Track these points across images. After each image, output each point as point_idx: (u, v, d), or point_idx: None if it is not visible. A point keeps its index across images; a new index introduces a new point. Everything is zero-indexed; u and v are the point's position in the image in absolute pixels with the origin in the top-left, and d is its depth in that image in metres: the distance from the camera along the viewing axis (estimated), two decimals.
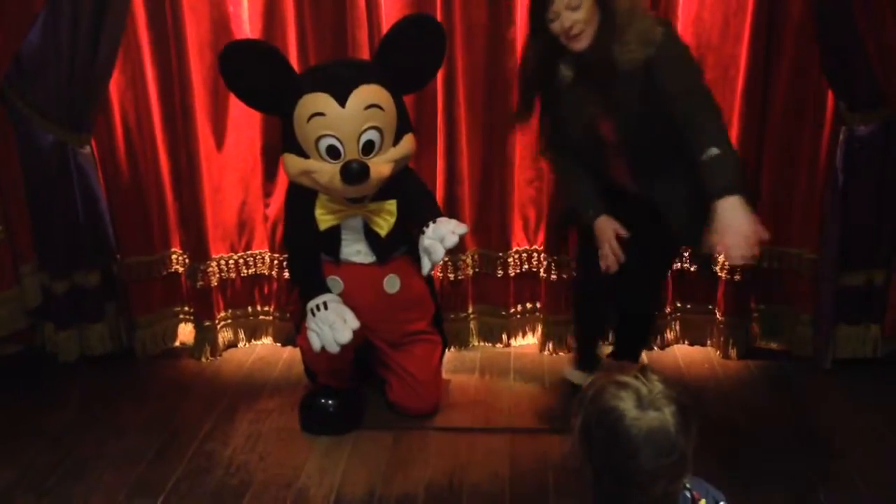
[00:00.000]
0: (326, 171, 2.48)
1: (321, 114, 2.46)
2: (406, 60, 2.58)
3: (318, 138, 2.48)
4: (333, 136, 2.47)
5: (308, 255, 2.69)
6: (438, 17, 2.88)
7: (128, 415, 2.87)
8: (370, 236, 2.66)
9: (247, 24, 3.00)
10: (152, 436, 2.73)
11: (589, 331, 2.90)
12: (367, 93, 2.49)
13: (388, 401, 2.82)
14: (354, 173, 2.42)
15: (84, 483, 2.50)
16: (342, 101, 2.46)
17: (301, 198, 2.64)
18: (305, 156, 2.53)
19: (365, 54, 2.91)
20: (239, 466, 2.56)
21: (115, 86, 3.02)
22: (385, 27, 2.91)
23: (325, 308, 2.52)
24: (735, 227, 2.12)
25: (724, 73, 2.92)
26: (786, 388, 2.94)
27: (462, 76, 3.00)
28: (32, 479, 2.52)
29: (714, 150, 2.18)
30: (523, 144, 3.07)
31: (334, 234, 2.65)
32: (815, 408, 2.81)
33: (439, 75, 2.89)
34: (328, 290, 2.60)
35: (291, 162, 2.57)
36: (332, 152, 2.49)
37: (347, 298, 2.59)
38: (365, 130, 2.49)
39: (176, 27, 2.92)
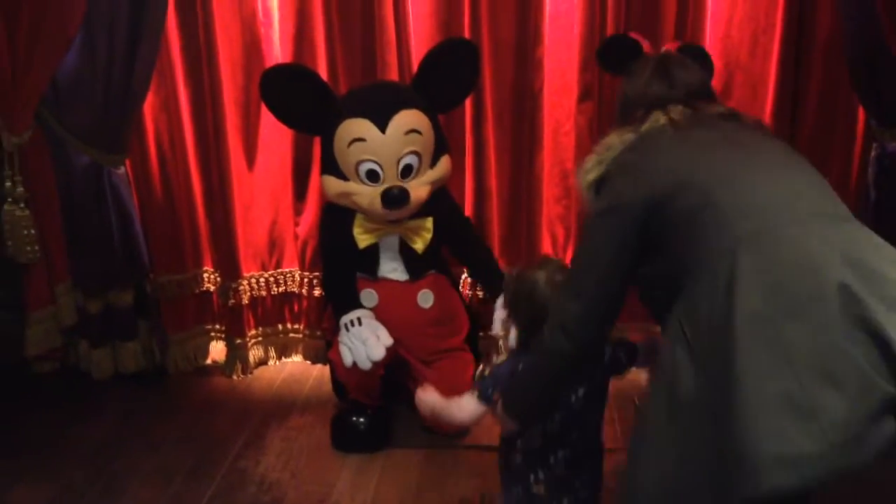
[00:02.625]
0: (366, 195, 2.53)
1: (361, 139, 2.51)
2: (443, 83, 2.63)
3: (358, 163, 2.52)
4: (373, 161, 2.52)
5: (343, 272, 2.73)
6: (466, 36, 2.92)
7: (161, 432, 2.90)
8: (405, 253, 2.69)
9: (278, 45, 3.04)
10: (185, 452, 2.76)
11: None
12: (406, 118, 2.53)
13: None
14: (395, 199, 2.48)
15: (120, 499, 2.53)
16: (382, 127, 2.50)
17: (339, 216, 2.68)
18: (345, 178, 2.57)
19: (394, 76, 2.95)
20: (271, 483, 2.58)
21: (148, 107, 3.07)
22: (414, 49, 2.95)
23: (359, 324, 2.56)
24: None
25: (753, 91, 2.92)
26: None
27: (490, 93, 3.02)
28: (69, 495, 2.56)
29: None
30: (552, 162, 3.09)
31: (373, 253, 2.69)
32: None
33: None
34: (361, 306, 2.63)
35: (330, 184, 2.61)
36: (372, 176, 2.53)
37: (382, 312, 2.62)
38: (404, 155, 2.53)
39: (209, 49, 2.97)
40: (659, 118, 1.73)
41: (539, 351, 1.76)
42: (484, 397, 1.85)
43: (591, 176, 1.75)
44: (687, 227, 1.54)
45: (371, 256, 2.70)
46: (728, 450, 1.33)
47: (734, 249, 1.44)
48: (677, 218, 1.56)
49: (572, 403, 1.84)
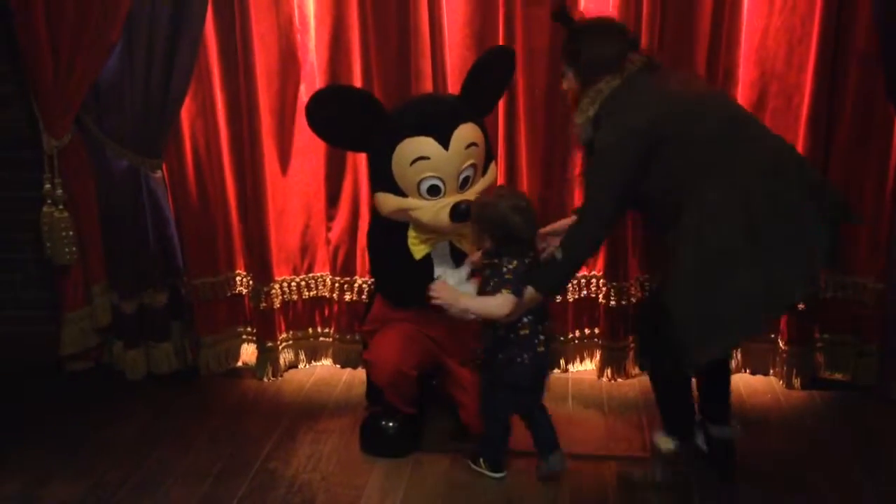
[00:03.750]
0: (428, 209, 2.57)
1: (425, 157, 2.53)
2: (486, 91, 2.68)
3: (421, 180, 2.55)
4: (437, 178, 2.55)
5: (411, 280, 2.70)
6: (500, 42, 2.94)
7: (193, 432, 2.93)
8: (455, 255, 2.72)
9: (313, 53, 3.08)
10: (216, 453, 2.79)
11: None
12: (465, 132, 2.58)
13: (463, 423, 2.80)
14: (464, 213, 2.53)
15: (151, 498, 2.56)
16: (445, 144, 2.53)
17: (392, 231, 2.69)
18: (402, 194, 2.59)
19: (428, 83, 2.97)
20: (301, 486, 2.60)
21: (186, 112, 3.11)
22: (448, 56, 2.97)
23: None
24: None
25: (788, 101, 2.91)
26: (851, 420, 2.89)
27: (523, 101, 3.03)
28: (102, 493, 2.59)
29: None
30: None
31: (427, 261, 2.70)
32: (880, 439, 2.76)
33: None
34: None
35: (387, 201, 2.62)
36: (434, 191, 2.57)
37: (426, 307, 2.63)
38: (464, 169, 2.58)
39: (245, 55, 3.00)
40: (632, 67, 2.31)
41: (580, 242, 2.35)
42: (517, 292, 2.34)
43: (591, 112, 2.31)
44: (681, 144, 2.19)
45: (426, 264, 2.70)
46: (764, 280, 2.12)
47: (733, 157, 2.17)
48: (673, 138, 2.19)
49: None
